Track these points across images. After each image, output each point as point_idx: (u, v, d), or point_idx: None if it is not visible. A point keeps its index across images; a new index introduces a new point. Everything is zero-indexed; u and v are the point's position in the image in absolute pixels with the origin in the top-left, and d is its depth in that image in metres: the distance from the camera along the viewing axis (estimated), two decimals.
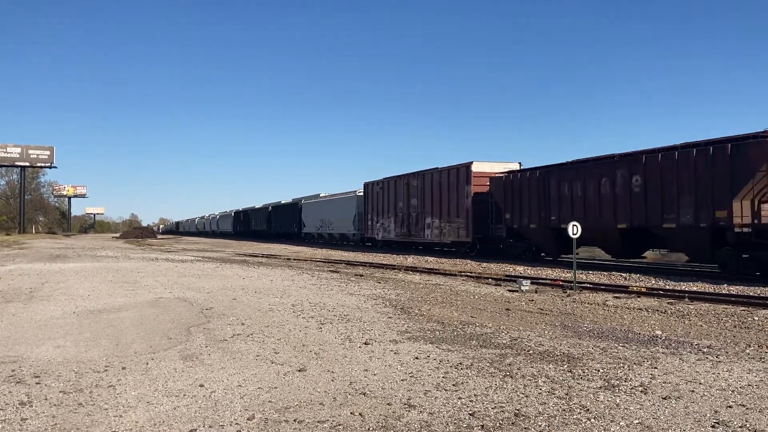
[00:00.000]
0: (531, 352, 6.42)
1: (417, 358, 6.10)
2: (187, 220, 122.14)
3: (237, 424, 4.14)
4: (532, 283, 13.14)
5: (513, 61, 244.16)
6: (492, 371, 5.56)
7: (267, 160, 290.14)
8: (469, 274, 16.65)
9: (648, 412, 4.35)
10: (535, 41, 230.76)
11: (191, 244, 51.13)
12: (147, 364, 5.88)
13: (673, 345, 6.81)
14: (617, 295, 11.70)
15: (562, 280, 14.04)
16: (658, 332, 7.67)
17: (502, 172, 23.09)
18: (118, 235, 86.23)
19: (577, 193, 18.65)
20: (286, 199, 56.34)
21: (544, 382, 5.17)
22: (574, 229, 13.16)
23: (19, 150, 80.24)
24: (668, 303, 10.47)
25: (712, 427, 4.04)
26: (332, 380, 5.25)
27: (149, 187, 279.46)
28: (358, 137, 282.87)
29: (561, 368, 5.67)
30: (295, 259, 25.24)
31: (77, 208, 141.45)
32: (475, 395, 4.78)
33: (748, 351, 6.51)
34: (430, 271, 18.09)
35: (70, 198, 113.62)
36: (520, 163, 24.44)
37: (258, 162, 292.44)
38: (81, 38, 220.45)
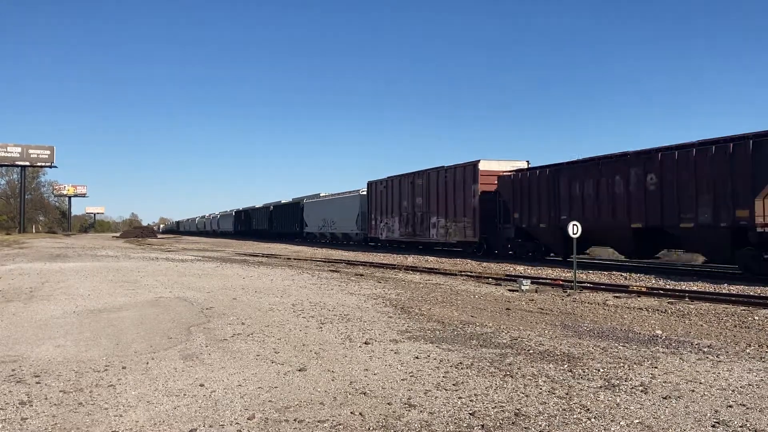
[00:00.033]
0: (531, 351, 6.42)
1: (417, 357, 6.10)
2: (188, 219, 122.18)
3: (237, 423, 4.14)
4: (532, 283, 13.14)
5: (513, 61, 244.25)
6: (492, 371, 5.56)
7: (267, 160, 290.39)
8: (469, 273, 16.65)
9: (648, 411, 4.34)
10: (535, 41, 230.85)
11: (191, 243, 51.14)
12: (147, 363, 5.88)
13: (674, 345, 6.81)
14: (617, 294, 11.70)
15: (562, 280, 14.04)
16: (659, 332, 7.67)
17: (510, 171, 22.73)
18: (118, 234, 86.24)
19: (589, 191, 18.25)
20: (286, 199, 56.23)
21: (545, 381, 5.17)
22: (574, 229, 13.16)
23: (19, 150, 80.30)
24: (668, 303, 10.47)
25: (713, 426, 4.04)
26: (332, 380, 5.25)
27: (149, 186, 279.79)
28: (358, 137, 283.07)
29: (561, 368, 5.66)
30: (295, 259, 25.24)
31: (77, 208, 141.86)
32: (475, 395, 4.78)
33: (748, 350, 6.51)
34: (431, 271, 18.08)
35: (70, 197, 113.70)
36: (527, 161, 24.03)
37: (258, 162, 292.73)
38: (81, 38, 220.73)
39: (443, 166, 26.70)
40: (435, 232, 27.06)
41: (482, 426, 4.05)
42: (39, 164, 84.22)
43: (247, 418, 4.22)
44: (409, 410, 4.40)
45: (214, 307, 9.86)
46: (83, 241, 52.98)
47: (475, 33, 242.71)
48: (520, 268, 18.33)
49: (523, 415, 4.28)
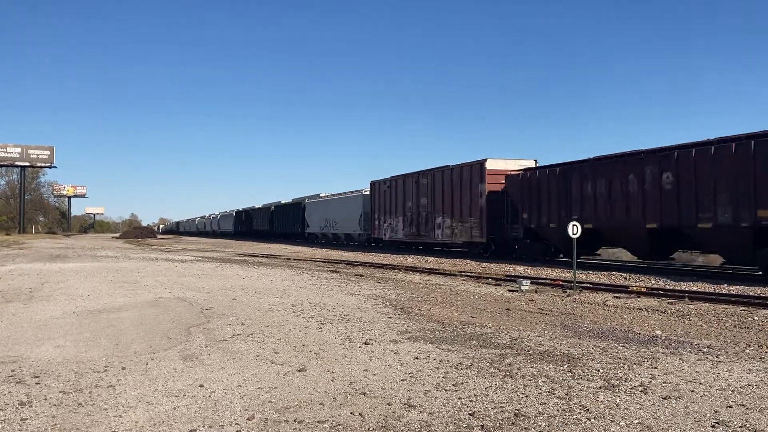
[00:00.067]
0: (531, 352, 6.42)
1: (417, 358, 6.10)
2: (188, 220, 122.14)
3: (237, 424, 4.14)
4: (532, 283, 13.15)
5: (513, 61, 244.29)
6: (492, 371, 5.56)
7: (267, 160, 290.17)
8: (469, 274, 16.65)
9: (648, 412, 4.35)
10: (535, 41, 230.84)
11: (191, 244, 51.14)
12: (147, 364, 5.88)
13: (673, 345, 6.81)
14: (617, 295, 11.70)
15: (562, 280, 14.04)
16: (658, 332, 7.67)
17: (518, 170, 22.26)
18: (118, 235, 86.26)
19: (602, 191, 17.70)
20: (285, 199, 55.94)
21: (544, 382, 5.17)
22: (573, 229, 13.16)
23: (19, 150, 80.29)
24: (668, 303, 10.47)
25: (712, 427, 4.04)
26: (332, 380, 5.25)
27: (149, 187, 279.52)
28: (358, 137, 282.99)
29: (561, 368, 5.67)
30: (295, 259, 25.24)
31: (77, 208, 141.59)
32: (475, 395, 4.78)
33: (748, 351, 6.51)
34: (430, 271, 18.09)
35: (70, 198, 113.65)
36: (535, 160, 23.57)
37: (258, 162, 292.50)
38: (81, 38, 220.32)
39: (449, 166, 26.17)
40: (440, 233, 26.55)
41: (482, 426, 4.05)
42: (39, 164, 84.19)
43: (247, 419, 4.22)
44: (409, 411, 4.40)
45: (213, 307, 9.86)
46: (83, 242, 52.99)
47: (475, 33, 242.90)
48: (520, 269, 18.33)
49: (522, 415, 4.28)
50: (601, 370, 5.57)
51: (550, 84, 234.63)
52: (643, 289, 12.25)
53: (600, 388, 4.98)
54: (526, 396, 4.75)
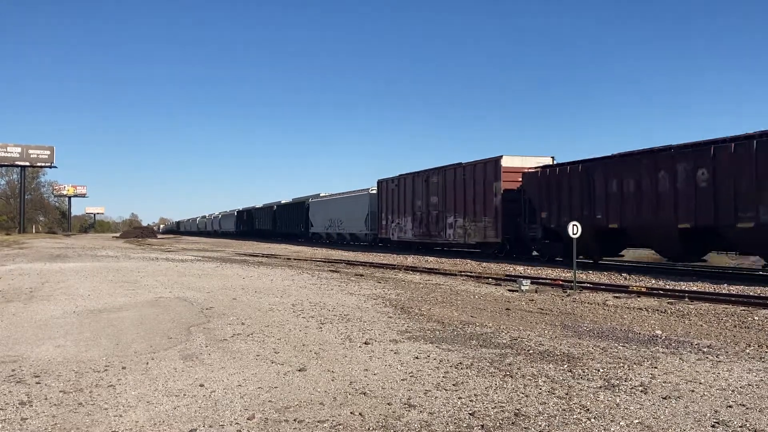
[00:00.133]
0: (531, 351, 6.42)
1: (417, 357, 6.10)
2: (188, 219, 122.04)
3: (237, 423, 4.14)
4: (532, 283, 13.15)
5: (513, 61, 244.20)
6: (492, 371, 5.56)
7: (267, 160, 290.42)
8: (469, 273, 16.65)
9: (648, 411, 4.35)
10: (535, 41, 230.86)
11: (191, 243, 51.14)
12: (147, 363, 5.88)
13: (673, 345, 6.81)
14: (617, 294, 11.70)
15: (562, 280, 14.04)
16: (658, 332, 7.67)
17: (535, 167, 21.29)
18: (118, 234, 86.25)
19: (629, 189, 16.72)
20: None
21: (544, 381, 5.18)
22: (574, 229, 13.16)
23: (19, 150, 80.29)
24: (668, 303, 10.47)
25: (712, 426, 4.04)
26: (332, 380, 5.25)
27: (149, 186, 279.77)
28: (358, 137, 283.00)
29: (561, 368, 5.67)
30: (295, 259, 25.23)
31: (77, 208, 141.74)
32: (475, 395, 4.78)
33: (748, 351, 6.51)
34: (430, 271, 18.09)
35: (70, 198, 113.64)
36: (552, 157, 22.60)
37: (258, 162, 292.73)
38: (81, 38, 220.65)
39: (461, 163, 25.31)
40: (452, 233, 25.64)
41: (482, 426, 4.06)
42: (39, 164, 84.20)
43: (247, 418, 4.22)
44: (409, 410, 4.40)
45: (214, 307, 9.86)
46: (83, 242, 52.99)
47: (475, 33, 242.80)
48: (520, 268, 18.33)
49: (522, 415, 4.28)
50: (601, 370, 5.57)
51: (550, 84, 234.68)
52: (643, 289, 12.24)
53: (600, 387, 4.98)
54: (526, 396, 4.75)
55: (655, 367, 5.68)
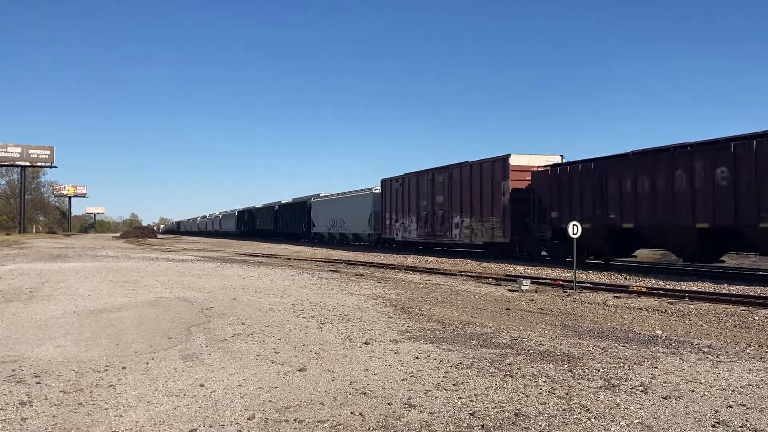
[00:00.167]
0: (531, 351, 6.42)
1: (417, 357, 6.10)
2: (189, 219, 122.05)
3: (237, 423, 4.14)
4: (532, 283, 13.15)
5: (513, 61, 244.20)
6: (492, 371, 5.56)
7: (267, 160, 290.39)
8: (469, 273, 16.65)
9: (648, 411, 4.35)
10: (535, 41, 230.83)
11: (192, 243, 51.14)
12: (147, 363, 5.88)
13: (674, 345, 6.81)
14: (617, 294, 11.69)
15: (562, 280, 14.04)
16: (659, 332, 7.67)
17: (544, 166, 20.74)
18: (118, 234, 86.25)
19: (644, 188, 16.25)
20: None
21: (545, 381, 5.17)
22: (574, 229, 13.16)
23: (19, 150, 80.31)
24: (668, 303, 10.47)
25: (713, 426, 4.04)
26: (332, 380, 5.25)
27: (149, 186, 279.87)
28: (358, 137, 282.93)
29: (561, 368, 5.67)
30: (295, 259, 25.23)
31: (77, 208, 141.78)
32: (475, 395, 4.78)
33: (748, 351, 6.51)
34: (431, 271, 18.09)
35: (70, 198, 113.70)
36: (561, 155, 22.03)
37: (258, 162, 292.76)
38: (81, 38, 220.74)
39: (468, 162, 24.81)
40: (458, 233, 25.19)
41: (482, 426, 4.06)
42: (39, 164, 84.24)
43: (247, 418, 4.22)
44: (409, 410, 4.40)
45: (214, 307, 9.86)
46: (83, 242, 53.00)
47: (475, 33, 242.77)
48: (520, 268, 18.33)
49: (523, 415, 4.28)
50: (601, 370, 5.57)
51: (550, 84, 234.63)
52: (644, 289, 12.24)
53: (600, 387, 4.98)
54: (527, 396, 4.75)
55: (656, 367, 5.68)
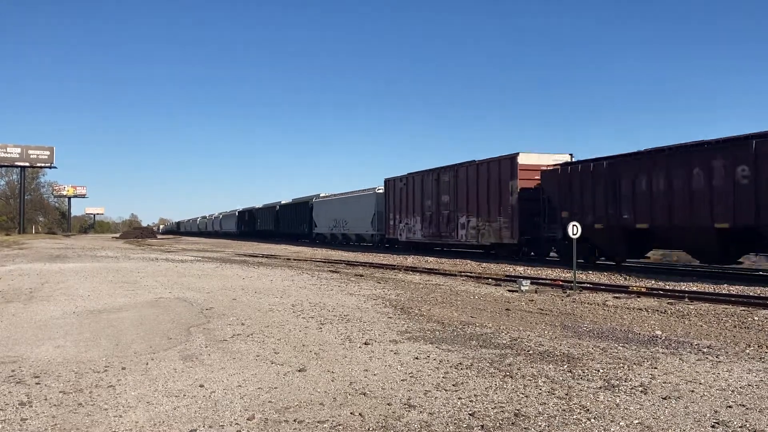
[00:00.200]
0: (531, 352, 6.42)
1: (417, 358, 6.10)
2: (189, 220, 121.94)
3: (237, 424, 4.14)
4: (532, 283, 13.15)
5: (513, 61, 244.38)
6: (492, 371, 5.56)
7: (267, 160, 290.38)
8: (469, 274, 16.65)
9: (648, 412, 4.35)
10: (535, 41, 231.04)
11: (191, 244, 51.14)
12: (147, 364, 5.88)
13: (673, 345, 6.81)
14: (617, 295, 11.70)
15: (562, 280, 14.04)
16: (658, 332, 7.67)
17: (553, 165, 20.23)
18: (117, 235, 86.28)
19: (659, 187, 15.79)
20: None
21: (544, 382, 5.18)
22: (573, 229, 13.17)
23: (19, 150, 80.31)
24: (668, 303, 10.47)
25: (712, 427, 4.04)
26: (332, 380, 5.25)
27: (149, 187, 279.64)
28: (358, 137, 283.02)
29: (561, 368, 5.67)
30: (295, 260, 25.24)
31: (77, 209, 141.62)
32: (475, 395, 4.78)
33: (748, 351, 6.51)
34: (430, 271, 18.09)
35: (70, 198, 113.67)
36: (571, 154, 21.58)
37: (258, 162, 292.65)
38: (81, 38, 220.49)
39: (474, 161, 24.32)
40: (464, 234, 24.67)
41: (482, 426, 4.06)
42: (39, 165, 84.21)
43: (247, 419, 4.22)
44: (409, 411, 4.40)
45: (213, 307, 9.86)
46: (83, 242, 52.99)
47: (475, 33, 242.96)
48: (520, 269, 18.33)
49: (522, 415, 4.28)
50: (601, 370, 5.57)
51: (550, 84, 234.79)
52: (643, 289, 12.24)
53: (600, 388, 4.98)
54: (526, 396, 4.75)
55: (655, 368, 5.69)
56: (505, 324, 8.31)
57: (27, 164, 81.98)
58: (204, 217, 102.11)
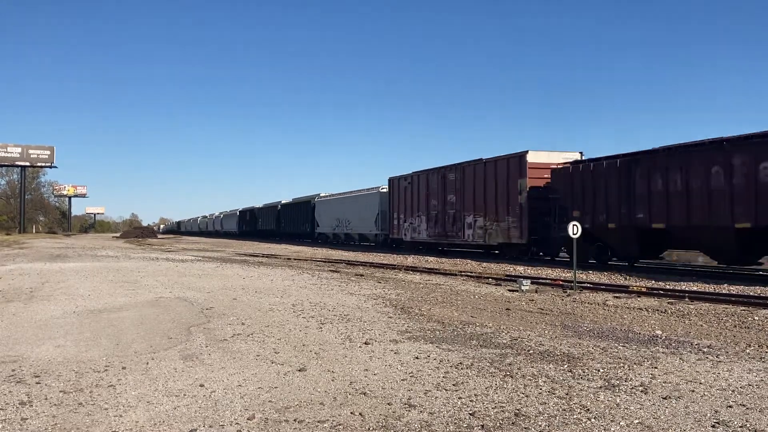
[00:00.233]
0: (531, 351, 6.42)
1: (417, 357, 6.10)
2: (189, 219, 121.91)
3: (237, 423, 4.14)
4: (532, 283, 13.15)
5: (513, 61, 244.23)
6: (492, 371, 5.56)
7: (267, 160, 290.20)
8: (469, 273, 16.65)
9: (648, 411, 4.35)
10: (535, 41, 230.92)
11: (192, 244, 51.15)
12: (147, 363, 5.88)
13: (674, 345, 6.81)
14: (617, 294, 11.70)
15: (562, 280, 14.04)
16: (659, 332, 7.67)
17: (563, 163, 19.82)
18: (118, 234, 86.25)
19: (676, 186, 15.32)
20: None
21: (545, 381, 5.18)
22: (573, 229, 13.16)
23: (19, 150, 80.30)
24: (668, 303, 10.47)
25: (713, 426, 4.04)
26: (332, 380, 5.26)
27: (149, 186, 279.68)
28: (358, 137, 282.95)
29: (561, 368, 5.67)
30: (295, 259, 25.24)
31: (77, 208, 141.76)
32: (475, 395, 4.78)
33: (748, 351, 6.51)
34: (430, 271, 18.09)
35: (70, 198, 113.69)
36: (581, 152, 21.19)
37: (258, 162, 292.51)
38: (81, 38, 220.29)
39: (481, 159, 23.85)
40: (471, 233, 24.24)
41: (482, 426, 4.06)
42: (39, 164, 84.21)
43: (247, 419, 4.22)
44: (409, 410, 4.41)
45: (214, 307, 9.86)
46: (83, 242, 53.00)
47: (475, 33, 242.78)
48: (520, 269, 18.33)
49: (523, 415, 4.28)
50: (601, 370, 5.57)
51: (550, 84, 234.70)
52: (644, 289, 12.24)
53: (600, 387, 4.98)
54: (527, 396, 4.76)
55: (655, 367, 5.69)
56: (506, 324, 8.32)
57: (27, 164, 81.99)
58: (205, 217, 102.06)
